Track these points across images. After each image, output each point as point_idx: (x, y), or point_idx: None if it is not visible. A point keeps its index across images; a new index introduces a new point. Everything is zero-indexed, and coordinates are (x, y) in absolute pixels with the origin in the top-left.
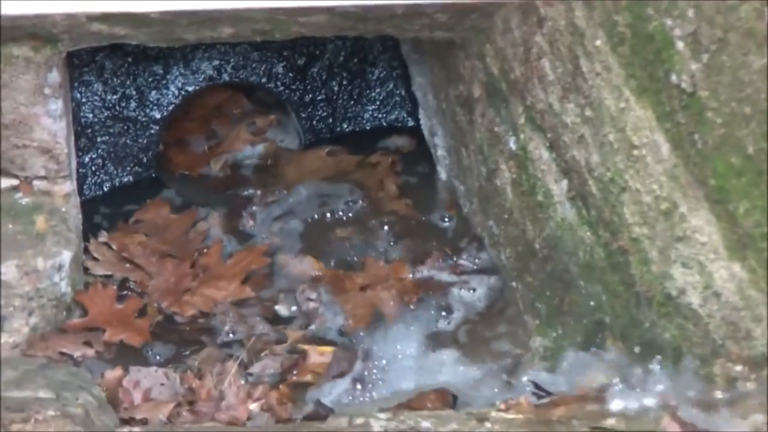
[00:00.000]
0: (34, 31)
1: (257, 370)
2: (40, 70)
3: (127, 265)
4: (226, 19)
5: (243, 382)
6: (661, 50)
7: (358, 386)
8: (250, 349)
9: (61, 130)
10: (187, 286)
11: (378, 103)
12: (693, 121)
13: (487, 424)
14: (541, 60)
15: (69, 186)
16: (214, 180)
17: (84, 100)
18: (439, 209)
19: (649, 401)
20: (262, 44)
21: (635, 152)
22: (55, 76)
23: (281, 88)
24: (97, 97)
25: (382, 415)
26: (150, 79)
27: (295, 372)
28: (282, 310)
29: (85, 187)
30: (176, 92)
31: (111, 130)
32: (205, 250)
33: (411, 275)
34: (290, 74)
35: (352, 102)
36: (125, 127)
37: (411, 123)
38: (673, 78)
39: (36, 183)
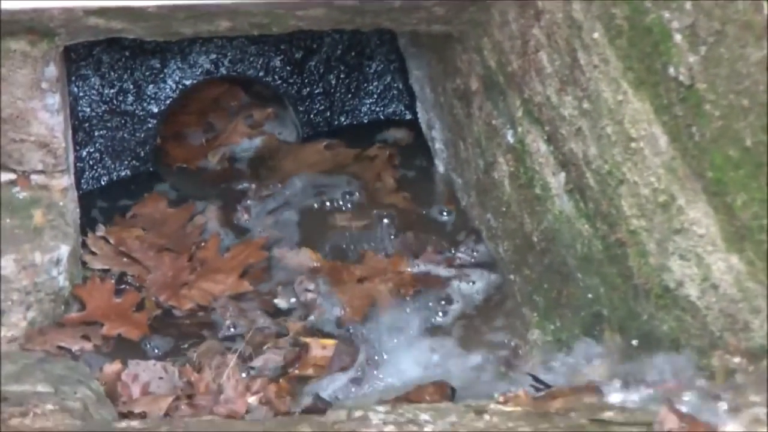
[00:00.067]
0: (31, 25)
1: (259, 363)
2: (37, 64)
3: (125, 260)
4: (224, 12)
5: (245, 375)
6: (659, 43)
7: (357, 379)
8: (250, 342)
9: (59, 124)
10: (184, 279)
11: (375, 96)
12: (691, 113)
13: (486, 417)
14: (538, 53)
15: (66, 180)
16: (211, 173)
17: (81, 94)
18: (438, 203)
19: (647, 393)
20: (260, 38)
21: (633, 145)
22: (52, 70)
23: (279, 81)
24: (94, 91)
25: (381, 408)
26: (147, 73)
27: (297, 365)
28: (281, 302)
29: (82, 181)
30: (173, 86)
31: (108, 124)
32: (202, 244)
33: (410, 269)
34: (288, 68)
35: (349, 95)
36: (122, 121)
37: (408, 116)
38: (671, 70)
39: (33, 177)
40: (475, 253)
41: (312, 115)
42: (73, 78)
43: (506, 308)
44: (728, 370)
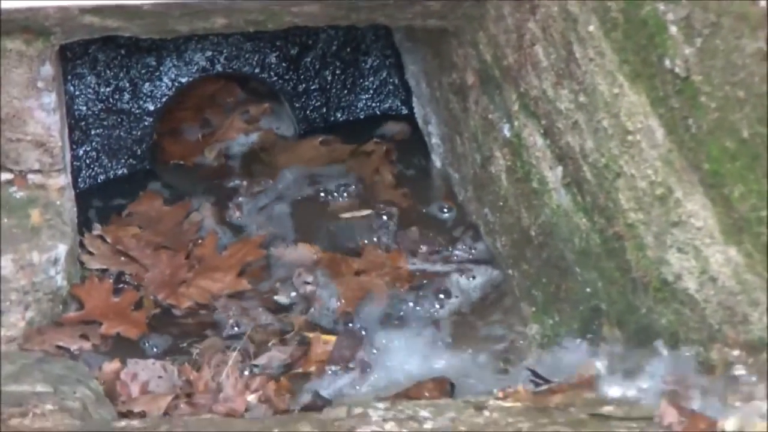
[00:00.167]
0: (26, 24)
1: (263, 361)
2: (33, 63)
3: (122, 258)
4: (219, 10)
5: (247, 373)
6: (655, 35)
7: (356, 375)
8: (252, 340)
9: (55, 123)
10: (182, 277)
11: (371, 91)
12: (687, 105)
13: (486, 413)
14: (534, 46)
15: (63, 179)
16: (208, 169)
17: (77, 92)
18: (436, 199)
19: (647, 387)
20: (255, 34)
21: (629, 138)
22: (48, 69)
23: (274, 78)
24: (90, 90)
25: (381, 405)
26: (143, 71)
27: (300, 363)
28: (282, 298)
29: (79, 179)
30: (169, 84)
31: (105, 123)
32: (199, 241)
33: (408, 265)
34: (283, 64)
35: (345, 91)
36: (119, 120)
37: (405, 111)
38: (667, 63)
39: (30, 177)
40: (473, 249)
41: (308, 112)
42: (69, 77)
43: (505, 303)
44: (727, 363)
